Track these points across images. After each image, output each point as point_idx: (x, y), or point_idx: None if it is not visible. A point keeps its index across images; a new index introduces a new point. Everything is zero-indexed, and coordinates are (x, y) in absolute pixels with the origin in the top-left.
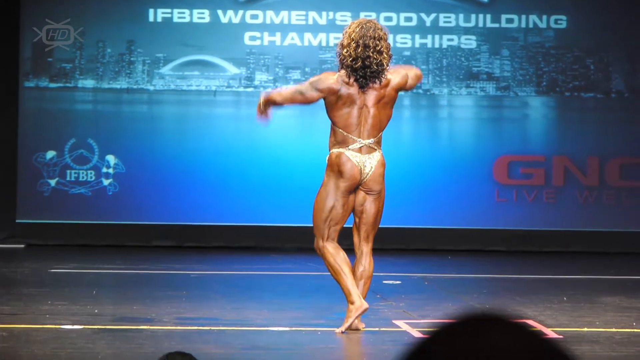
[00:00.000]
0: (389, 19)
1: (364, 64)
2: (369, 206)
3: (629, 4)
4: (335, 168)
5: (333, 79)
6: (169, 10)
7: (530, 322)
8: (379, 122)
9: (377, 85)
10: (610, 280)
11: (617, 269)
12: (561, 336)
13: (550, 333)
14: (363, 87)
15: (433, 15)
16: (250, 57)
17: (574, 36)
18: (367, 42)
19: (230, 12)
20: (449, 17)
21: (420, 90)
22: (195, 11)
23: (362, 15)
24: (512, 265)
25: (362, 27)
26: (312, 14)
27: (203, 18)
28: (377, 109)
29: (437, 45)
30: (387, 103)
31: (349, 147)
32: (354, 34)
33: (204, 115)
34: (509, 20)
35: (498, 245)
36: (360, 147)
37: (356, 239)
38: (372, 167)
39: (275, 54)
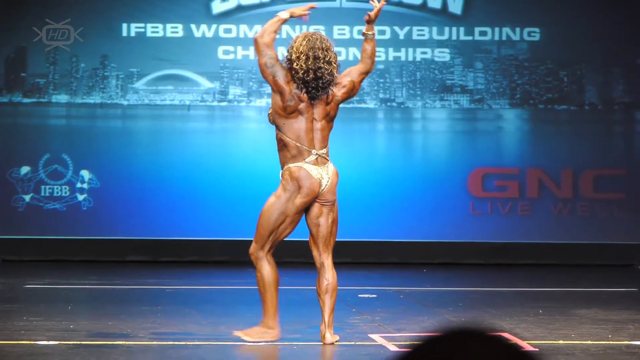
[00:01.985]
0: (362, 32)
1: (315, 75)
2: (324, 219)
3: (602, 17)
4: (295, 183)
5: (286, 81)
6: (142, 25)
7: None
8: (327, 134)
9: (323, 100)
10: (585, 292)
11: (592, 281)
12: (537, 349)
13: (526, 346)
14: (314, 99)
15: (406, 29)
16: (224, 71)
17: (547, 49)
18: (317, 53)
19: (203, 27)
20: (422, 30)
21: (394, 104)
22: (168, 25)
23: (336, 29)
24: (487, 278)
25: (309, 40)
26: (286, 28)
27: (177, 32)
28: (324, 122)
29: (410, 58)
30: (332, 118)
31: (305, 160)
32: (302, 47)
33: (178, 130)
34: (482, 33)
35: (473, 258)
36: (316, 158)
37: (315, 252)
38: (328, 178)
39: (249, 67)
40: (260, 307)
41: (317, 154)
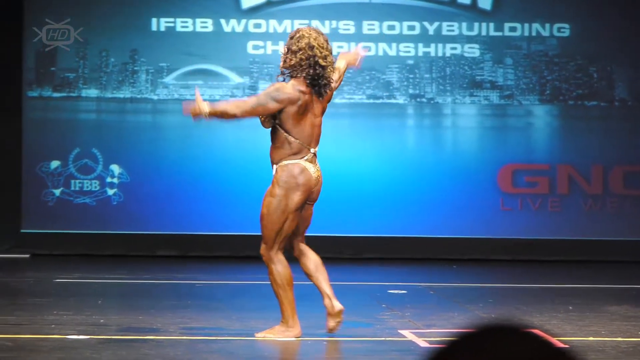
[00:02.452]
0: (392, 27)
1: (324, 72)
2: (308, 212)
3: (632, 12)
4: (294, 180)
5: (290, 88)
6: (172, 20)
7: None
8: (321, 132)
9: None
10: (615, 289)
11: (622, 278)
12: (567, 345)
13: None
14: (321, 96)
15: (436, 24)
16: (254, 66)
17: (577, 44)
18: (324, 53)
19: (233, 21)
20: (452, 26)
21: (424, 99)
22: (198, 20)
23: (366, 24)
24: (517, 274)
25: (319, 34)
26: (315, 23)
27: (206, 27)
28: (321, 118)
29: (440, 54)
30: (323, 114)
31: (304, 157)
32: (317, 42)
33: (207, 125)
34: (512, 29)
35: (503, 254)
36: (312, 156)
37: (295, 242)
38: (319, 176)
39: (278, 62)
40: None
41: (313, 152)
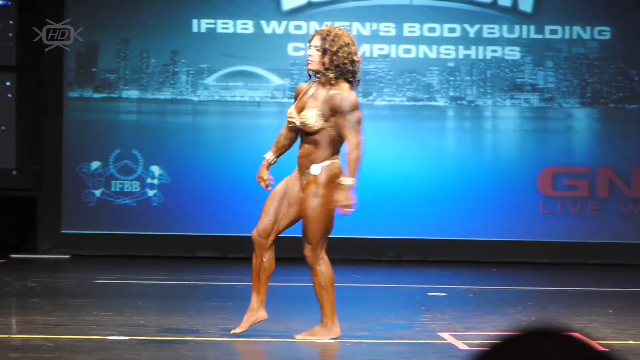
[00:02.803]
0: (432, 29)
1: (359, 67)
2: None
3: None
4: (336, 180)
5: (355, 97)
6: (212, 21)
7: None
8: None
9: None
10: None
11: None
12: (607, 349)
13: (598, 346)
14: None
15: (477, 27)
16: (294, 67)
17: (618, 47)
18: (355, 49)
19: (273, 23)
20: (493, 28)
21: (464, 102)
22: (239, 22)
23: (406, 26)
24: (556, 277)
25: (348, 34)
26: (356, 25)
27: (247, 29)
28: None
29: (480, 57)
30: None
31: (338, 157)
32: (346, 39)
33: (248, 126)
34: (553, 32)
35: (543, 257)
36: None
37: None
38: None
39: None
40: (323, 308)
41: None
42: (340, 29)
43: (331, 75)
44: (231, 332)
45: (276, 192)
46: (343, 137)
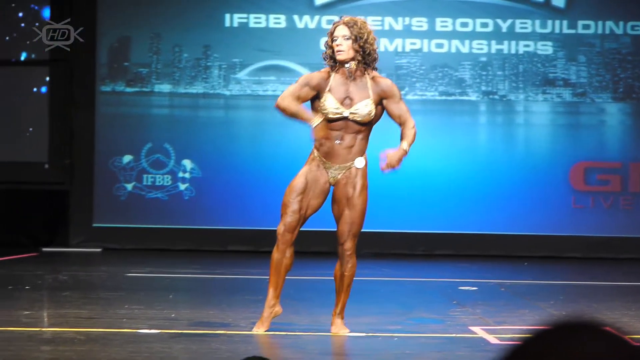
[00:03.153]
0: (465, 24)
1: None
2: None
3: None
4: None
5: None
6: (245, 15)
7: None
8: None
9: None
10: None
11: None
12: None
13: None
14: None
15: (509, 21)
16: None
17: None
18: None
19: (306, 17)
20: (525, 23)
21: (497, 96)
22: (271, 16)
23: (439, 21)
24: (588, 271)
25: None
26: (389, 20)
27: (279, 23)
28: None
29: (513, 51)
30: None
31: None
32: (370, 27)
33: (280, 121)
34: (586, 27)
35: (574, 251)
36: None
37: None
38: None
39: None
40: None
41: None
42: (360, 18)
43: (364, 64)
44: (253, 331)
45: (297, 185)
46: (398, 120)
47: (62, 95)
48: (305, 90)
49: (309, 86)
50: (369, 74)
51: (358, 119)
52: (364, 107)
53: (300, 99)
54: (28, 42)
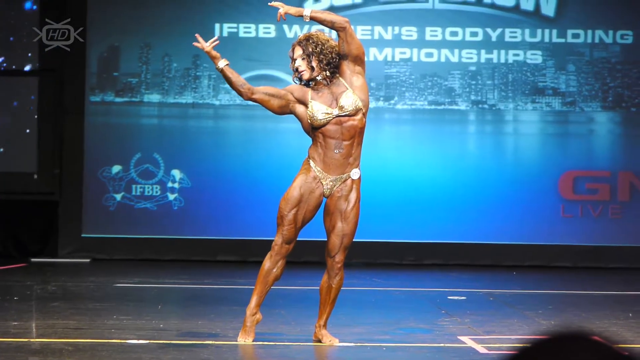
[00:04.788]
0: (454, 34)
1: None
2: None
3: None
4: None
5: None
6: (234, 25)
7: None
8: None
9: None
10: None
11: None
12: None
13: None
14: None
15: (499, 31)
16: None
17: None
18: None
19: (295, 27)
20: (515, 32)
21: (486, 105)
22: (261, 26)
23: (428, 30)
24: (577, 281)
25: (322, 32)
26: (378, 29)
27: (269, 33)
28: None
29: (502, 60)
30: None
31: None
32: (325, 35)
33: (269, 130)
34: (575, 36)
35: (563, 261)
36: None
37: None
38: None
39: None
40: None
41: None
42: (315, 31)
43: (328, 74)
44: (239, 340)
45: (293, 197)
46: (347, 45)
47: (51, 105)
48: (283, 93)
49: (290, 92)
50: (332, 81)
51: (348, 111)
52: (347, 99)
53: (275, 95)
54: (19, 52)
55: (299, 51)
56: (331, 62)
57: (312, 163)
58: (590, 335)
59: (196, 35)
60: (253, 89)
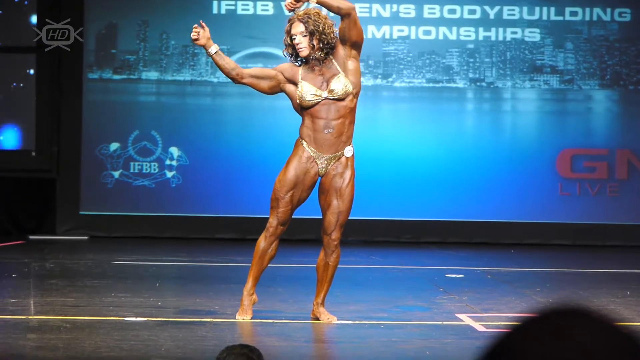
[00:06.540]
0: (452, 11)
1: None
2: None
3: None
4: None
5: None
6: (232, 2)
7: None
8: None
9: None
10: None
11: None
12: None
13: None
14: None
15: (497, 8)
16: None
17: (638, 29)
18: None
19: None
20: (513, 10)
21: (484, 83)
22: (259, 3)
23: (426, 8)
24: (575, 258)
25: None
26: (376, 6)
27: (267, 10)
28: None
29: (500, 38)
30: None
31: None
32: (324, 14)
33: (267, 108)
34: (573, 13)
35: (561, 238)
36: None
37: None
38: None
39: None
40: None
41: None
42: (313, 8)
43: (323, 55)
44: (238, 319)
45: (288, 179)
46: (349, 31)
47: (49, 82)
48: (274, 74)
49: (280, 72)
50: (327, 62)
51: (338, 95)
52: (338, 83)
53: (264, 77)
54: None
55: (299, 27)
56: (330, 43)
57: (304, 143)
58: (587, 311)
59: (200, 22)
60: (242, 72)
